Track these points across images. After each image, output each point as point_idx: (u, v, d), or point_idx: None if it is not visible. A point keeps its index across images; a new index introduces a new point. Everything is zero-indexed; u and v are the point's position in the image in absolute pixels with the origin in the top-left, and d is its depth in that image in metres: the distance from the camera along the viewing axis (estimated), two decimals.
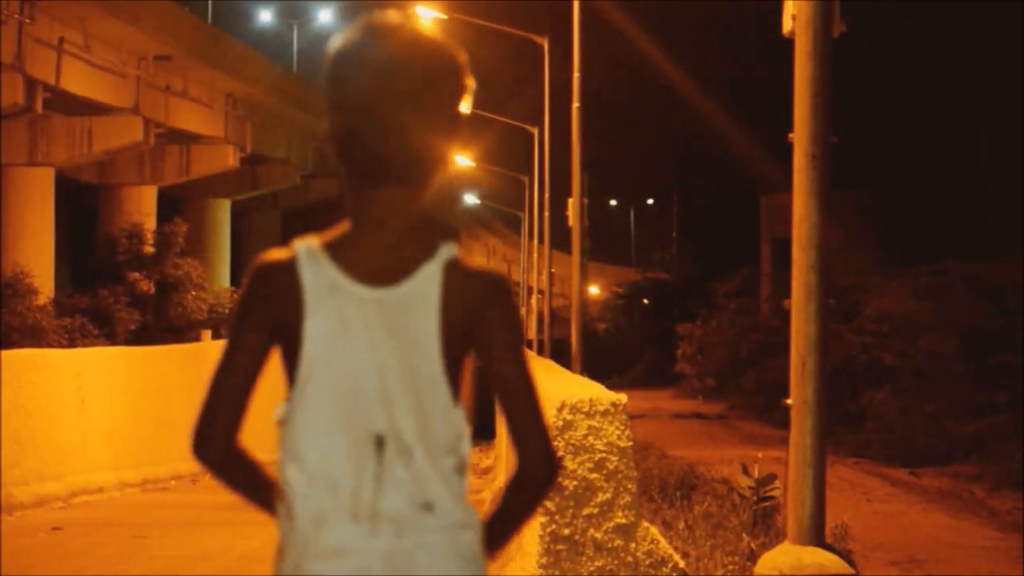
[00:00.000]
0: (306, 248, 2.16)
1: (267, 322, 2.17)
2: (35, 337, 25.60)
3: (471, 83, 2.23)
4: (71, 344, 25.54)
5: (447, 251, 2.19)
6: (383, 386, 2.11)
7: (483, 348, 2.19)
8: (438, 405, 2.13)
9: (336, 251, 2.16)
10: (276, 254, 2.18)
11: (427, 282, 2.15)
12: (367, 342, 2.11)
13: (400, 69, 2.14)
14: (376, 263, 2.15)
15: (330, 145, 2.19)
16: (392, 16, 2.18)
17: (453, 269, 2.18)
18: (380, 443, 2.10)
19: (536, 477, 2.22)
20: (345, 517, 2.09)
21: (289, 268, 2.15)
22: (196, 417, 2.20)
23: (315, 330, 2.11)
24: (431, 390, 2.13)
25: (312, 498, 2.10)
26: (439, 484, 2.12)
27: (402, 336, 2.12)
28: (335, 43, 2.20)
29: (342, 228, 2.20)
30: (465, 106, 2.22)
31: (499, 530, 2.24)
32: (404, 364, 2.12)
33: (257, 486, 2.22)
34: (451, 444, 2.15)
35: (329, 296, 2.12)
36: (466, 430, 2.18)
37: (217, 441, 2.18)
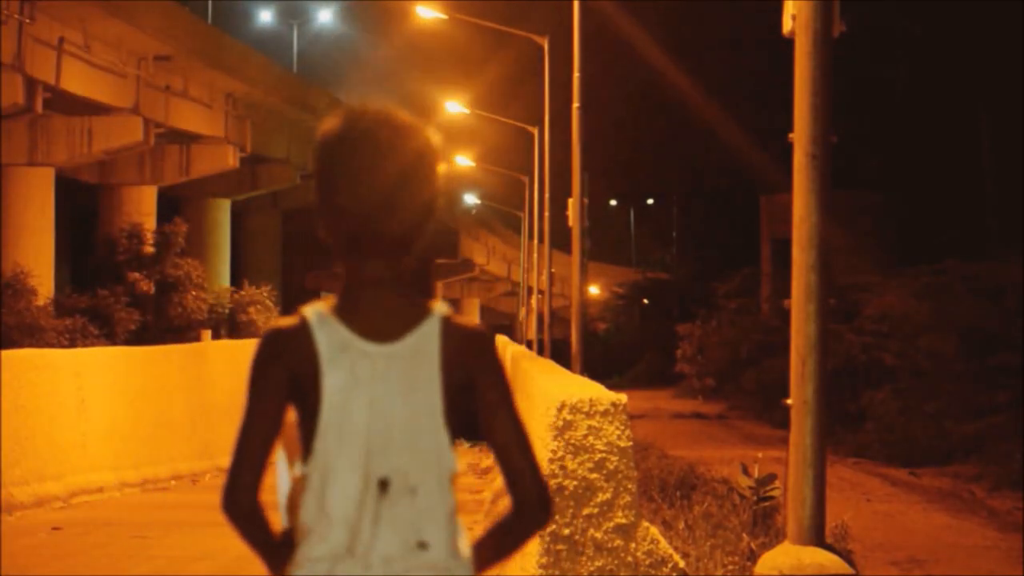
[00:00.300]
0: (316, 313, 2.39)
1: (283, 385, 2.39)
2: (33, 335, 25.60)
3: (443, 158, 2.45)
4: (71, 344, 25.53)
5: (441, 308, 2.41)
6: (390, 433, 2.34)
7: (478, 402, 2.43)
8: (439, 448, 2.37)
9: (342, 314, 2.38)
10: (287, 322, 2.42)
11: (428, 336, 2.38)
12: (376, 393, 2.35)
13: (388, 154, 2.34)
14: (380, 322, 2.37)
15: (322, 224, 2.40)
16: (372, 104, 2.39)
17: (448, 325, 2.40)
18: (383, 485, 2.33)
19: (530, 523, 2.45)
20: (343, 550, 2.34)
21: (303, 332, 2.38)
22: (225, 477, 2.46)
23: (332, 385, 2.35)
24: (433, 434, 2.37)
25: (332, 534, 2.34)
26: (437, 525, 2.35)
27: (408, 384, 2.36)
28: (322, 132, 2.40)
29: (341, 294, 2.42)
30: (441, 179, 2.43)
31: (486, 556, 2.44)
32: (410, 410, 2.36)
33: (266, 541, 2.44)
34: (449, 483, 2.39)
35: (342, 353, 2.35)
36: (455, 469, 2.42)
37: (243, 499, 2.42)
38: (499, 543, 2.46)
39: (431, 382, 2.36)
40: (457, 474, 2.41)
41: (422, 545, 2.33)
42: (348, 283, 2.40)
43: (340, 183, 2.34)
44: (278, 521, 2.47)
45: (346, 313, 2.38)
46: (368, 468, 2.33)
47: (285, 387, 2.39)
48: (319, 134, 2.40)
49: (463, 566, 2.37)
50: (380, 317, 2.37)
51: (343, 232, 2.37)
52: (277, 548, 2.43)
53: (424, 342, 2.37)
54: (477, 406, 2.43)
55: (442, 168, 2.43)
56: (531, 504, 2.42)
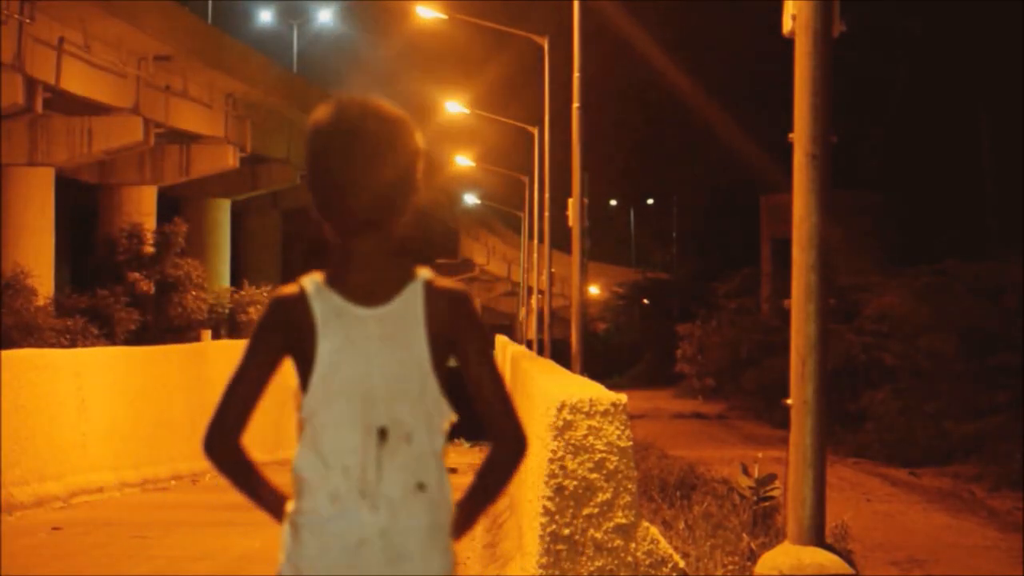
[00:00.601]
0: (313, 283, 2.65)
1: (281, 344, 2.66)
2: (30, 334, 25.61)
3: (422, 141, 2.71)
4: (71, 344, 25.53)
5: (423, 273, 2.68)
6: (385, 386, 2.60)
7: (460, 354, 2.68)
8: (430, 395, 2.63)
9: (335, 283, 2.65)
10: (289, 289, 2.67)
11: (412, 298, 2.65)
12: (370, 351, 2.61)
13: (363, 138, 2.61)
14: (369, 288, 2.63)
15: (314, 206, 2.66)
16: (354, 95, 2.67)
17: (430, 287, 2.66)
18: (383, 434, 2.59)
19: (509, 454, 2.71)
20: (355, 494, 2.58)
21: (302, 299, 2.64)
22: (209, 419, 2.70)
23: (327, 347, 2.61)
24: (423, 384, 2.62)
25: (330, 480, 2.58)
26: (432, 466, 2.62)
27: (397, 342, 2.62)
28: (310, 122, 2.68)
29: (334, 263, 2.68)
30: (419, 161, 2.70)
31: (471, 508, 2.72)
32: (401, 365, 2.62)
33: (252, 482, 2.69)
34: (442, 426, 2.65)
35: (336, 318, 2.62)
36: (451, 416, 2.67)
37: (224, 440, 2.67)
38: (486, 482, 2.72)
39: (418, 339, 2.62)
40: (451, 420, 2.66)
41: (421, 486, 2.61)
42: (339, 257, 2.66)
43: (322, 166, 2.63)
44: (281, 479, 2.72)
45: (339, 281, 2.64)
46: (368, 419, 2.59)
47: (281, 348, 2.66)
48: (308, 123, 2.69)
49: (449, 507, 2.66)
50: (369, 283, 2.63)
51: (329, 213, 2.64)
52: (270, 490, 2.69)
53: (410, 303, 2.64)
54: (458, 358, 2.68)
55: (415, 146, 2.67)
56: (508, 437, 2.69)
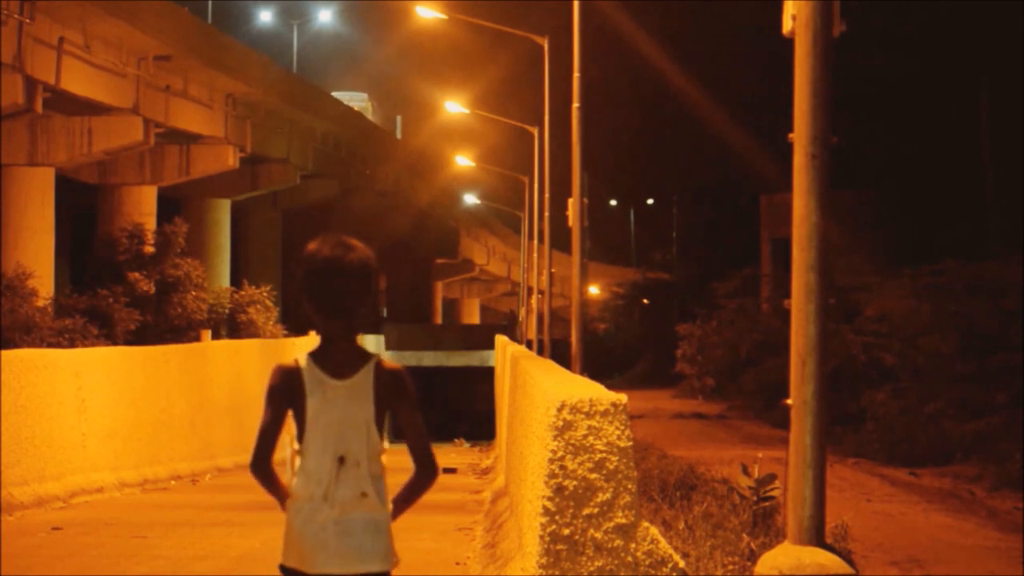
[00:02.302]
0: (305, 359, 4.05)
1: (284, 401, 4.06)
2: (28, 333, 25.59)
3: (376, 263, 4.09)
4: (71, 344, 25.51)
5: (375, 358, 4.08)
6: (345, 430, 4.03)
7: (396, 409, 4.09)
8: (372, 437, 4.04)
9: (319, 361, 4.05)
10: (288, 363, 4.08)
11: (366, 374, 4.05)
12: (338, 408, 4.03)
13: (343, 273, 4.02)
14: (340, 368, 4.04)
15: (304, 300, 4.05)
16: (338, 239, 4.05)
17: (379, 367, 4.07)
18: (342, 460, 4.02)
19: (426, 476, 4.12)
20: (321, 497, 4.00)
21: (297, 372, 4.05)
22: (252, 451, 4.09)
23: (312, 404, 4.04)
24: (369, 430, 4.04)
25: (308, 487, 4.02)
26: (371, 483, 4.02)
27: (354, 403, 4.04)
28: (309, 250, 4.05)
29: (319, 345, 4.06)
30: (375, 279, 4.08)
31: (400, 506, 4.11)
32: (356, 417, 4.04)
33: (276, 489, 4.10)
34: (380, 456, 4.06)
35: (319, 385, 4.04)
36: (384, 449, 4.06)
37: (262, 464, 4.08)
38: (409, 493, 4.12)
39: (367, 401, 4.04)
40: (383, 451, 4.03)
41: (364, 494, 4.00)
42: (322, 337, 4.06)
43: (316, 281, 4.03)
44: (284, 476, 4.08)
45: (321, 360, 4.05)
46: (333, 451, 4.01)
47: (286, 402, 4.06)
48: (304, 252, 4.06)
49: (384, 508, 4.03)
50: (340, 364, 4.05)
51: (317, 306, 4.04)
52: (283, 492, 4.08)
53: (364, 378, 4.05)
54: (395, 411, 4.08)
55: (373, 270, 4.06)
56: (426, 464, 4.09)
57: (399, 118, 76.84)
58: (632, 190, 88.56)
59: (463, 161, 57.98)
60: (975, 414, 22.05)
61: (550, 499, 6.32)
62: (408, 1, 33.02)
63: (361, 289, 4.04)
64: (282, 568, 4.07)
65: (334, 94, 59.33)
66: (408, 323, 56.44)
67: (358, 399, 4.02)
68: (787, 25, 6.84)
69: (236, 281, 39.48)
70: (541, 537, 6.33)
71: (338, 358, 4.03)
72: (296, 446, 4.05)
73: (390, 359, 4.19)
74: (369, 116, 63.09)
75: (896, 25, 36.12)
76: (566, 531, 6.31)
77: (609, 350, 67.21)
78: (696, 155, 59.42)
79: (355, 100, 64.57)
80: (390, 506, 4.08)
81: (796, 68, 6.79)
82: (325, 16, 77.40)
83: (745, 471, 10.76)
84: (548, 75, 28.99)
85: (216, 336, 33.40)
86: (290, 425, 4.11)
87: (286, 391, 4.04)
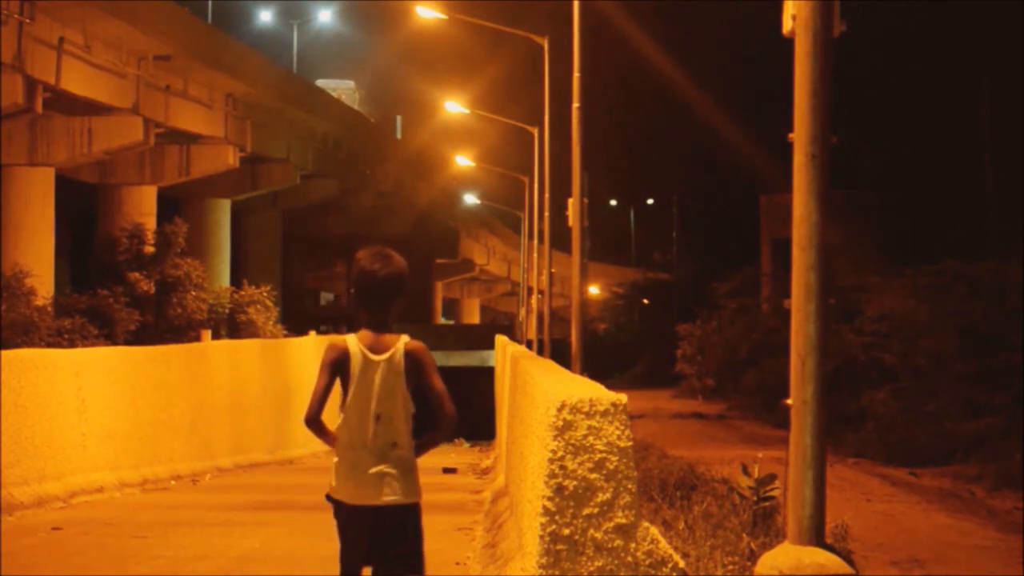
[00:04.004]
0: (353, 340, 5.23)
1: (336, 370, 5.21)
2: (27, 332, 25.59)
3: (407, 269, 5.33)
4: (71, 344, 25.51)
5: (403, 338, 5.26)
6: (381, 394, 5.21)
7: (421, 378, 5.24)
8: (402, 399, 5.21)
9: (363, 342, 5.22)
10: (338, 343, 5.25)
11: (397, 353, 5.22)
12: (376, 378, 5.21)
13: (389, 277, 5.27)
14: (378, 347, 5.22)
15: (355, 298, 5.39)
16: (384, 249, 5.31)
17: (407, 347, 5.24)
18: (378, 418, 5.20)
19: (448, 421, 5.23)
20: (360, 446, 5.19)
21: (345, 349, 5.21)
22: (307, 408, 5.19)
23: (356, 373, 5.20)
24: (402, 395, 5.21)
25: (350, 438, 5.20)
26: (402, 433, 5.20)
27: (389, 373, 5.21)
28: (357, 259, 5.30)
29: (363, 328, 5.25)
30: (407, 279, 5.32)
31: (424, 448, 5.26)
32: (390, 384, 5.21)
33: (326, 436, 5.23)
34: (409, 413, 5.22)
35: (361, 359, 5.21)
36: (412, 409, 5.21)
37: (316, 418, 5.18)
38: (432, 439, 5.28)
39: (399, 372, 5.20)
40: (411, 411, 5.20)
41: (395, 444, 5.18)
42: (365, 324, 5.23)
43: (365, 285, 5.27)
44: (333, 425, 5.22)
45: (363, 340, 5.23)
46: (373, 409, 5.18)
47: (336, 372, 5.21)
48: (354, 260, 5.35)
49: (411, 454, 5.22)
50: (378, 345, 5.23)
51: (364, 303, 5.28)
52: (332, 438, 5.22)
53: (396, 355, 5.22)
54: (421, 379, 5.21)
55: (407, 275, 5.29)
56: (446, 413, 5.22)
57: (399, 118, 76.79)
58: (632, 190, 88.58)
59: (463, 161, 57.97)
60: (975, 414, 22.05)
61: (550, 499, 6.32)
62: (408, 1, 33.01)
63: (394, 292, 5.30)
64: (328, 497, 5.24)
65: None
66: (408, 323, 56.48)
67: (392, 370, 5.18)
68: (787, 25, 6.83)
69: (236, 281, 39.49)
70: (541, 537, 6.33)
71: (376, 340, 5.22)
72: (343, 409, 5.22)
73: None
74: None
75: (896, 25, 36.11)
76: (566, 531, 6.31)
77: (609, 350, 67.19)
78: (696, 155, 59.43)
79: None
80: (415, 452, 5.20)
81: (796, 68, 6.79)
82: (325, 16, 77.46)
83: (745, 471, 10.76)
84: (548, 75, 29.00)
85: (216, 336, 33.39)
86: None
87: (337, 363, 5.20)
